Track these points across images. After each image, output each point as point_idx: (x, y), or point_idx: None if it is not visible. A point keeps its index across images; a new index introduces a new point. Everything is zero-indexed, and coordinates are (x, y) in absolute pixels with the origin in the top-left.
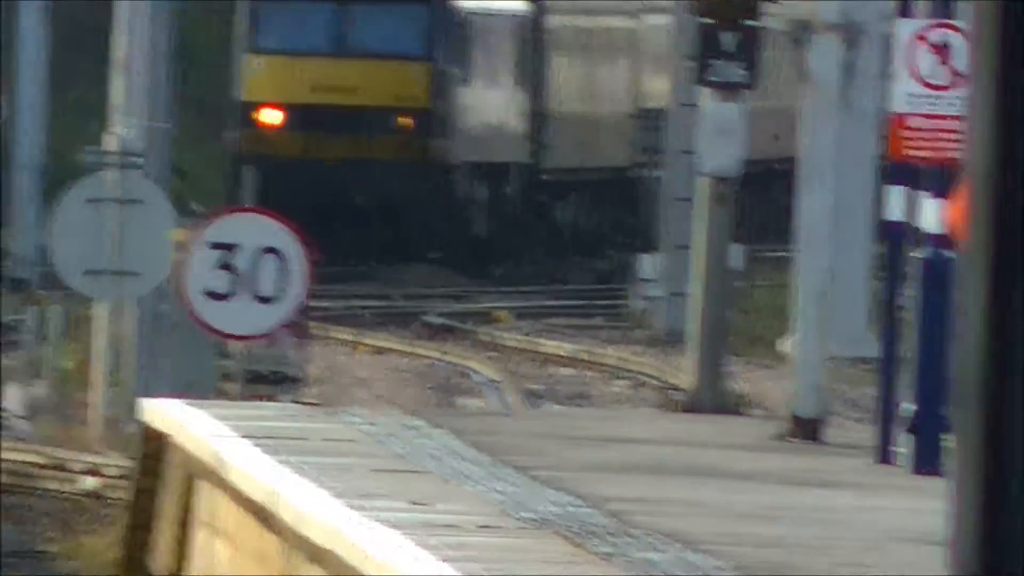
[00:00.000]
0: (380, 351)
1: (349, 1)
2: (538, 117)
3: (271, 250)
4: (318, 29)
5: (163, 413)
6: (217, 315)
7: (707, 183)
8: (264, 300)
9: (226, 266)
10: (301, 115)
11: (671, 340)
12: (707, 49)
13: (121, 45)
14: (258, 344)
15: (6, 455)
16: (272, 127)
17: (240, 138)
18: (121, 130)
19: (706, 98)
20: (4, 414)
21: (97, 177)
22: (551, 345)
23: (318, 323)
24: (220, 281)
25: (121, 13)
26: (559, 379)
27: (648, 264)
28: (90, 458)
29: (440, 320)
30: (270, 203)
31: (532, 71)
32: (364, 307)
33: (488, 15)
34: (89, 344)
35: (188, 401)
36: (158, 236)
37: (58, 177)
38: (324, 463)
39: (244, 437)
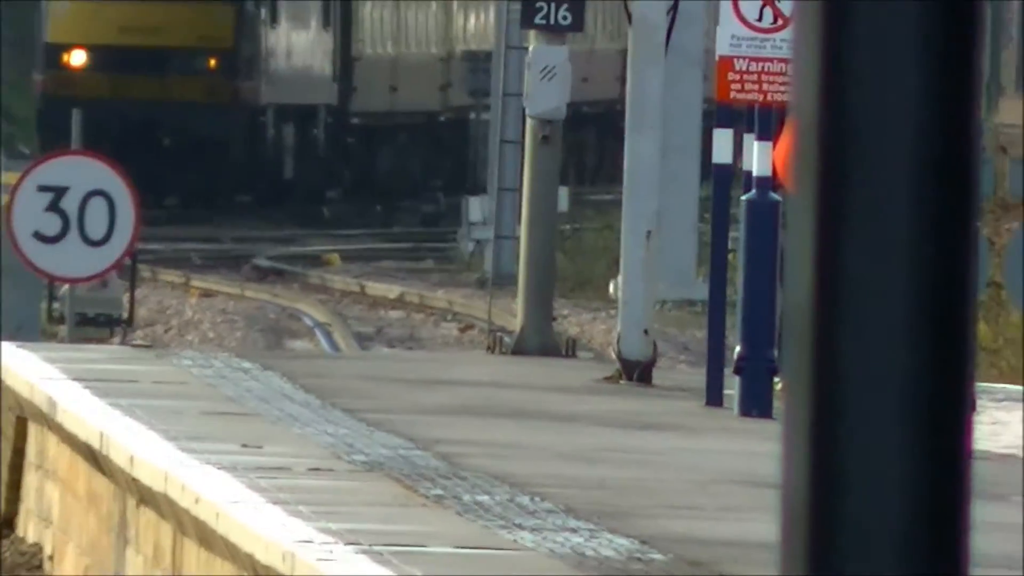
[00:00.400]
0: (209, 294)
1: None
2: (346, 60)
3: (99, 192)
4: None
5: None
6: (47, 257)
7: (534, 125)
8: (94, 243)
9: (55, 209)
10: (106, 56)
11: (500, 283)
12: None
13: None
14: (87, 286)
15: None
16: (78, 68)
17: (47, 80)
18: None
19: (533, 40)
20: None
21: None
22: (380, 288)
23: (147, 265)
24: (49, 224)
25: None
26: (388, 322)
27: (476, 207)
28: None
29: (269, 263)
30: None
31: (340, 12)
32: (193, 250)
33: None
34: None
35: (17, 344)
36: None
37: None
38: (154, 405)
39: (74, 380)
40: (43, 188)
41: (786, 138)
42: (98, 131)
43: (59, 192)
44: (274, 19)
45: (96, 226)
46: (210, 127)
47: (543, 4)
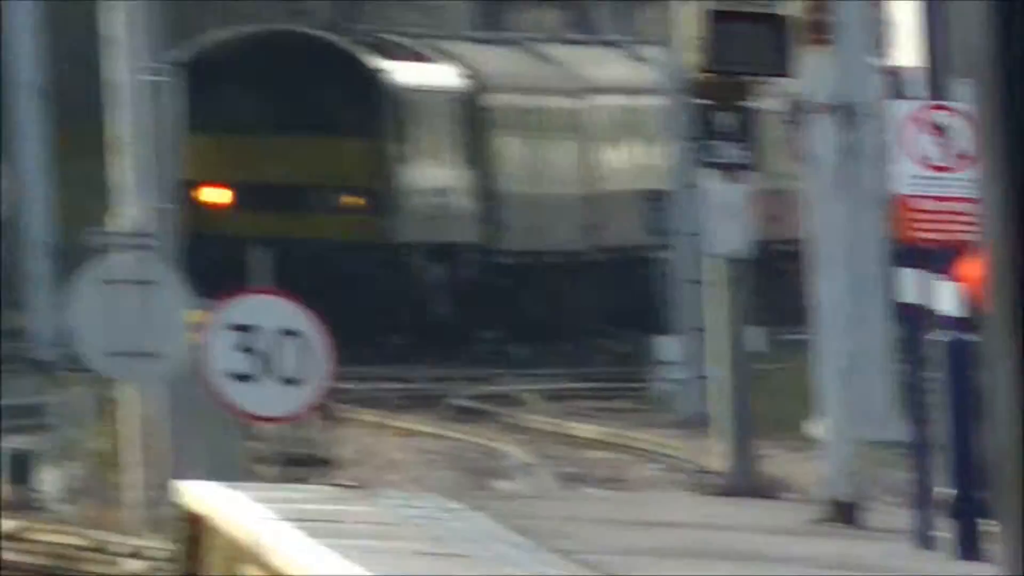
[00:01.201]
0: (409, 433)
1: (293, 80)
2: (490, 197)
3: (290, 332)
4: (262, 107)
5: (200, 496)
6: (243, 397)
7: (716, 264)
8: (288, 382)
9: (247, 348)
10: (247, 193)
11: (696, 423)
12: (705, 130)
13: (123, 123)
14: (286, 426)
15: (47, 537)
16: (218, 206)
17: (187, 217)
18: (129, 210)
19: (707, 179)
20: (42, 496)
21: (111, 258)
22: (579, 427)
23: (344, 405)
24: (242, 363)
25: (122, 92)
26: (591, 461)
27: (667, 346)
28: (131, 541)
29: (467, 403)
30: (226, 284)
31: (480, 151)
32: (388, 389)
33: (429, 93)
34: (120, 426)
35: (226, 484)
36: (175, 317)
37: (69, 256)
38: (363, 546)
39: (284, 520)
40: (234, 327)
41: (974, 271)
42: (241, 269)
43: (250, 331)
44: (416, 156)
45: (292, 365)
46: (354, 265)
47: (719, 143)
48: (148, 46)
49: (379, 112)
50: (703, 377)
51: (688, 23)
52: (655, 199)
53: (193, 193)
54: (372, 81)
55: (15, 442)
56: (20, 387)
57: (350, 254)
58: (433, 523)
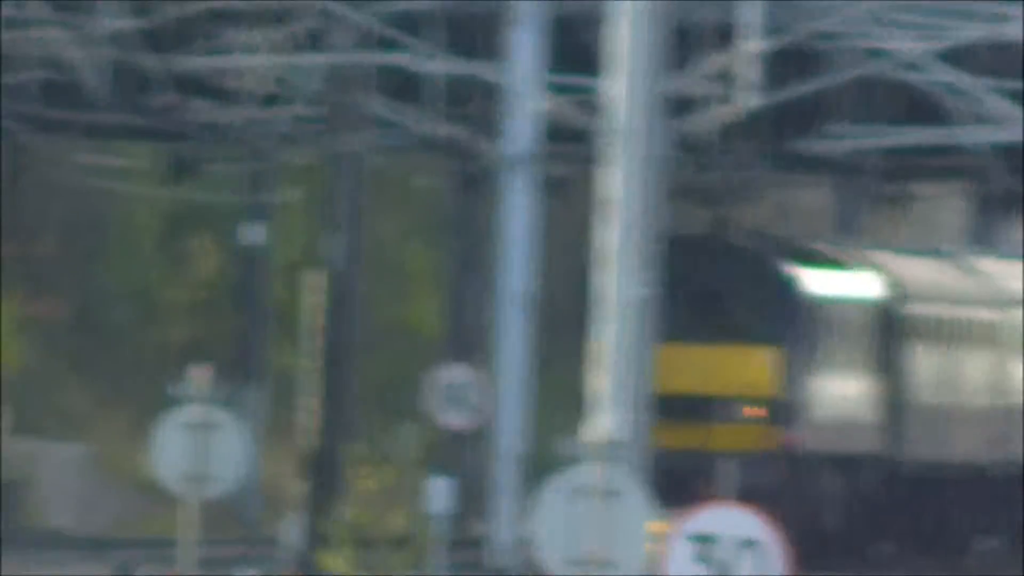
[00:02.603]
0: None
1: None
2: (895, 407)
3: (749, 543)
4: (682, 313)
5: None
6: None
7: None
8: None
9: (705, 559)
10: (661, 402)
11: None
12: None
13: (608, 335)
14: None
15: None
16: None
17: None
18: (605, 420)
19: None
20: None
21: (578, 468)
22: None
23: None
24: (699, 572)
25: (610, 305)
26: None
27: None
28: None
29: None
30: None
31: (893, 361)
32: None
33: (843, 302)
34: None
35: None
36: (636, 528)
37: (540, 466)
38: None
39: None
40: (694, 538)
41: None
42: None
43: (708, 541)
44: (820, 365)
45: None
46: (755, 477)
47: None
48: (640, 262)
49: (790, 320)
50: None
51: None
52: None
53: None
54: (786, 288)
55: None
56: None
57: (748, 464)
58: None
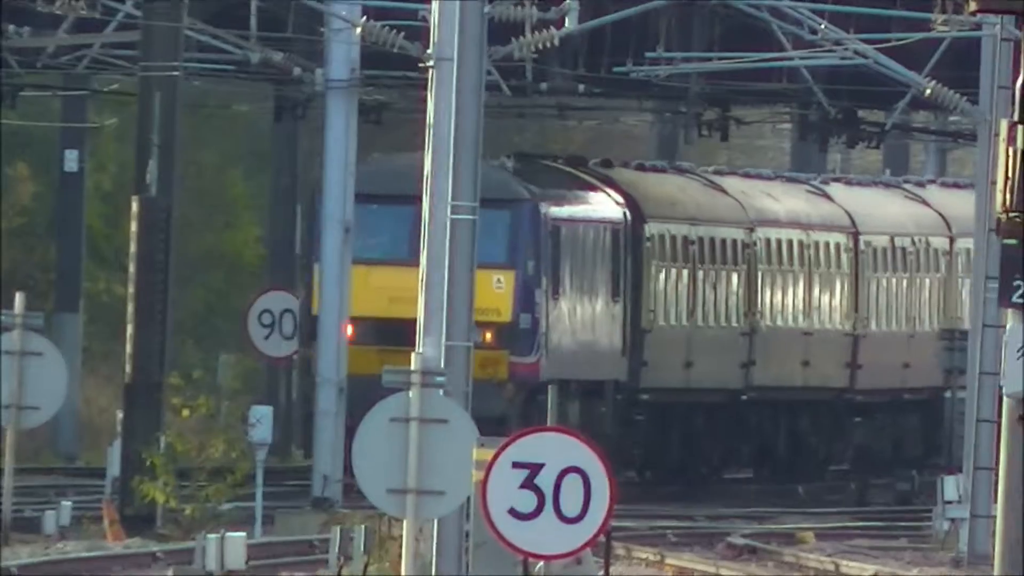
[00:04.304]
0: (683, 572)
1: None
2: (635, 332)
3: (574, 469)
4: (393, 237)
5: None
6: (521, 534)
7: (1012, 405)
8: (568, 520)
9: (530, 485)
10: (372, 329)
11: (975, 562)
12: (1009, 270)
13: (421, 263)
14: (562, 563)
15: None
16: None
17: (310, 354)
18: (422, 349)
19: (1011, 319)
20: None
21: (399, 396)
22: (855, 566)
23: (620, 542)
24: (524, 501)
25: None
26: None
27: (951, 485)
28: None
29: (744, 541)
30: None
31: (631, 282)
32: (667, 527)
33: (581, 222)
34: (394, 563)
35: None
36: (461, 455)
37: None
38: None
39: None
40: (518, 464)
41: None
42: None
43: (534, 469)
44: (556, 290)
45: (572, 503)
46: (487, 406)
47: (1021, 282)
48: (460, 187)
49: (526, 242)
50: (991, 516)
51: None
52: (954, 338)
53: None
54: (522, 209)
55: None
56: (301, 524)
57: (480, 392)
58: None
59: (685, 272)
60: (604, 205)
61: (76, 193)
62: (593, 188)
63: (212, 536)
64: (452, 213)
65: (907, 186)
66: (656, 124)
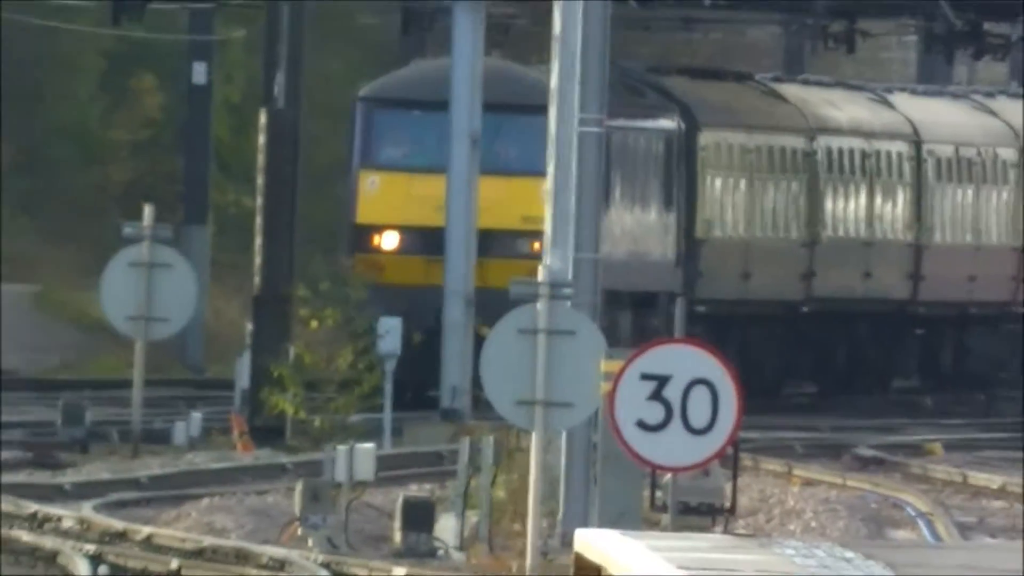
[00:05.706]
0: (811, 483)
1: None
2: (691, 243)
3: (703, 381)
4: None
5: (596, 544)
6: (649, 446)
7: None
8: (696, 432)
9: (658, 397)
10: (420, 238)
11: None
12: None
13: (549, 175)
14: (689, 475)
15: None
16: (390, 252)
17: (356, 264)
18: (550, 260)
19: None
20: (438, 544)
21: (527, 308)
22: (982, 477)
23: (747, 454)
24: (652, 412)
25: (551, 142)
26: (991, 512)
27: None
28: None
29: (871, 452)
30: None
31: (685, 191)
32: (793, 439)
33: (634, 131)
34: (523, 475)
35: (621, 532)
36: (589, 367)
37: (486, 306)
38: None
39: (680, 569)
40: (646, 376)
41: None
42: (416, 318)
43: (662, 381)
44: (609, 199)
45: (699, 415)
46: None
47: None
48: (587, 98)
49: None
50: None
51: None
52: None
53: (367, 239)
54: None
55: (417, 490)
56: (430, 435)
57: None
58: (826, 572)
59: (743, 181)
60: (657, 113)
61: (204, 105)
62: (645, 95)
63: (341, 447)
64: (580, 126)
65: (976, 96)
66: (783, 37)
